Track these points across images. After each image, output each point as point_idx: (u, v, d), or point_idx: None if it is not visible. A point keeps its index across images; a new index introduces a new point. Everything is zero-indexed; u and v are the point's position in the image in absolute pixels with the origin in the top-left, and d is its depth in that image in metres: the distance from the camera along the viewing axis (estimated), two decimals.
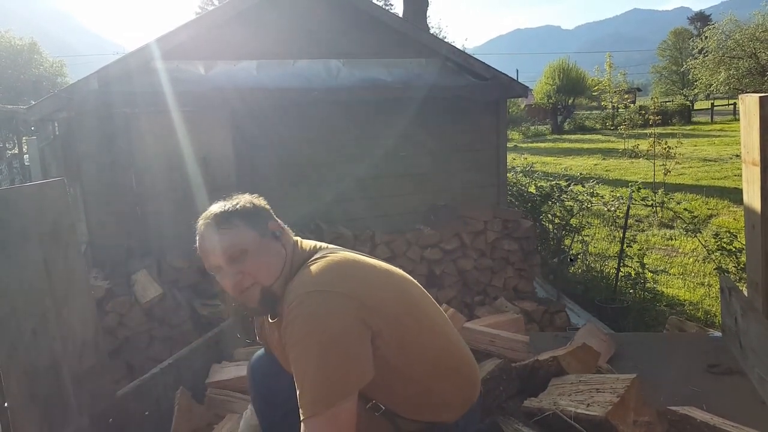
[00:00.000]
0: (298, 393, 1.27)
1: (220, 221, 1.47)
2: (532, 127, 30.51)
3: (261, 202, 1.57)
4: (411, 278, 1.62)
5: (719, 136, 21.55)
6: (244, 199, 1.53)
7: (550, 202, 6.80)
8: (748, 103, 2.27)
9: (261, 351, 1.74)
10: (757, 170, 2.24)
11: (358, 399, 1.31)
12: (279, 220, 1.59)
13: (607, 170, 14.67)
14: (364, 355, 1.32)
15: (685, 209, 7.24)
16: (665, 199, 7.81)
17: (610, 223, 7.50)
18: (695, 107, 34.29)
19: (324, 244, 1.58)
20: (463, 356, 1.57)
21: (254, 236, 1.46)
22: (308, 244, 1.58)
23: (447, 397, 1.50)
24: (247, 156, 4.89)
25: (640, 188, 7.33)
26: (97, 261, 4.49)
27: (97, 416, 1.83)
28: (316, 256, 1.46)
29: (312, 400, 1.24)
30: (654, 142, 11.25)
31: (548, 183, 7.24)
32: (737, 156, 14.48)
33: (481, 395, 1.62)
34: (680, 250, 7.76)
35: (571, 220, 6.72)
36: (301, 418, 1.25)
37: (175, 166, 4.64)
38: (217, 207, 1.50)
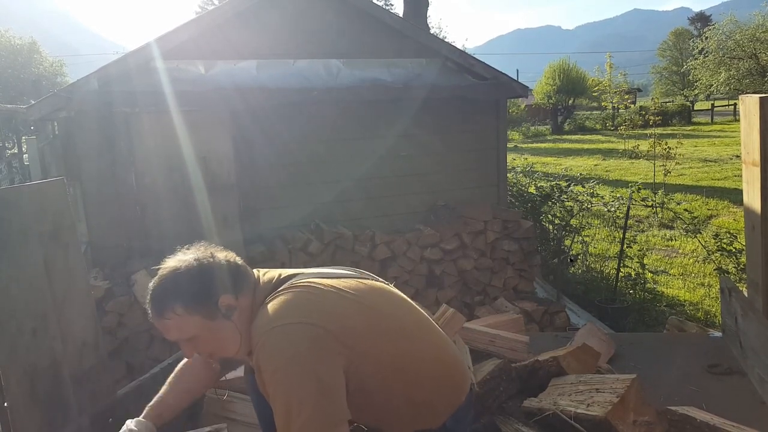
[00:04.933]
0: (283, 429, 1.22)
1: (162, 310, 1.35)
2: (532, 128, 30.50)
3: (216, 261, 1.42)
4: (382, 287, 1.56)
5: (719, 136, 21.55)
6: (191, 271, 1.37)
7: (550, 203, 6.80)
8: (749, 104, 2.27)
9: None
10: (757, 171, 2.24)
11: None
12: (235, 265, 1.44)
13: (607, 171, 14.67)
14: (343, 385, 1.27)
15: (685, 210, 7.24)
16: (665, 200, 7.81)
17: (610, 224, 7.50)
18: (695, 108, 34.29)
19: (287, 274, 1.50)
20: (446, 360, 1.53)
21: (201, 322, 1.36)
22: (269, 278, 1.49)
23: (431, 404, 1.47)
24: (247, 156, 4.89)
25: (640, 189, 7.32)
26: (97, 261, 4.49)
27: (97, 416, 1.83)
28: (273, 294, 1.40)
29: None
30: (654, 142, 11.26)
31: (548, 183, 7.24)
32: (737, 157, 14.48)
33: (471, 394, 1.59)
34: (680, 251, 7.77)
35: (571, 220, 6.72)
36: None
37: (176, 166, 4.64)
38: (158, 288, 1.37)
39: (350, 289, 1.45)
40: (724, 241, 5.65)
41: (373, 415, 1.45)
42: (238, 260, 1.48)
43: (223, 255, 1.45)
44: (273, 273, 1.51)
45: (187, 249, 1.45)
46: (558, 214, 6.85)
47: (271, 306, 1.35)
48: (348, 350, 1.32)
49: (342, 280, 1.48)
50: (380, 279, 1.65)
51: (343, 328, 1.34)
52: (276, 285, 1.44)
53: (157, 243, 4.62)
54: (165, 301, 1.36)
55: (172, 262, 1.40)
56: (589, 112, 34.55)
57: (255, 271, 1.53)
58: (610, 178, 13.23)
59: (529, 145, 23.23)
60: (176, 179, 4.67)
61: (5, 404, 1.61)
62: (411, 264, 4.97)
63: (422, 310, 1.62)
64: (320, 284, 1.42)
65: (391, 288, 1.61)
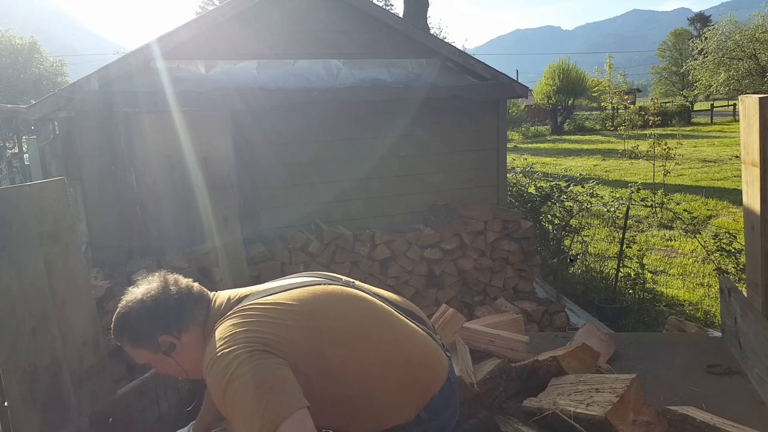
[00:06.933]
0: None
1: (120, 340, 1.51)
2: (532, 128, 30.52)
3: (162, 299, 1.49)
4: (339, 290, 1.56)
5: (719, 137, 21.56)
6: (132, 311, 1.48)
7: (549, 203, 6.80)
8: (748, 104, 2.27)
9: None
10: (757, 171, 2.24)
11: None
12: (185, 298, 1.50)
13: (606, 171, 14.68)
14: (288, 381, 1.29)
15: (685, 210, 7.24)
16: (665, 200, 7.82)
17: (609, 224, 7.50)
18: (695, 108, 34.31)
19: (236, 297, 1.53)
20: (410, 358, 1.52)
21: (146, 354, 1.50)
22: (219, 303, 1.53)
23: (396, 402, 1.47)
24: (247, 156, 4.89)
25: (639, 189, 7.32)
26: (97, 261, 4.49)
27: (97, 416, 1.83)
28: (219, 321, 1.44)
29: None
30: (653, 143, 11.25)
31: (548, 183, 7.24)
32: (737, 157, 14.49)
33: (449, 384, 1.57)
34: (680, 251, 7.77)
35: (571, 220, 6.72)
36: None
37: (176, 166, 4.64)
38: (113, 322, 1.50)
39: (295, 300, 1.47)
40: (724, 241, 5.65)
41: (337, 418, 1.46)
42: (194, 288, 1.54)
43: (175, 288, 1.51)
44: (223, 297, 1.55)
45: (147, 277, 1.54)
46: (558, 214, 6.84)
47: (217, 333, 1.39)
48: (296, 360, 1.34)
49: (288, 292, 1.50)
50: (347, 279, 1.65)
51: (283, 342, 1.36)
52: (224, 311, 1.48)
53: (157, 242, 4.63)
54: (117, 334, 1.51)
55: (126, 296, 1.52)
56: (588, 113, 34.57)
57: (212, 294, 1.58)
58: (610, 179, 13.23)
59: (529, 145, 23.25)
60: (176, 179, 4.67)
61: (5, 404, 1.61)
62: (411, 264, 4.97)
63: (391, 308, 1.59)
64: (262, 304, 1.45)
65: (353, 290, 1.60)
